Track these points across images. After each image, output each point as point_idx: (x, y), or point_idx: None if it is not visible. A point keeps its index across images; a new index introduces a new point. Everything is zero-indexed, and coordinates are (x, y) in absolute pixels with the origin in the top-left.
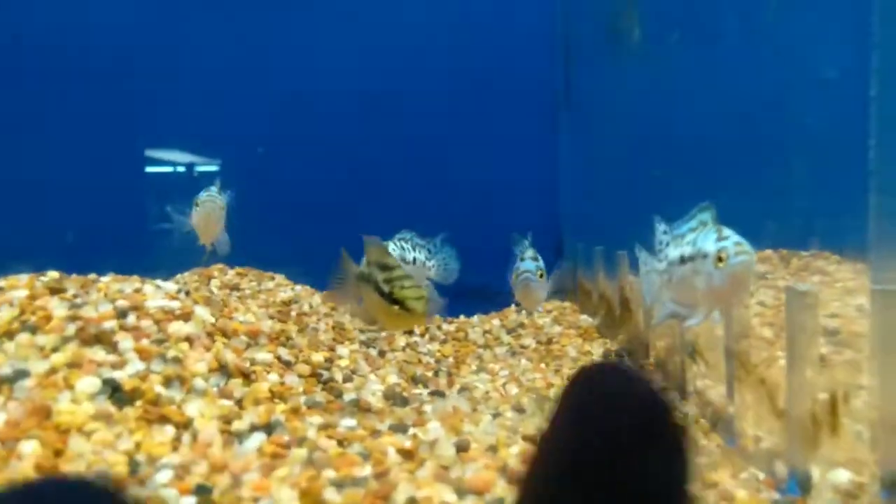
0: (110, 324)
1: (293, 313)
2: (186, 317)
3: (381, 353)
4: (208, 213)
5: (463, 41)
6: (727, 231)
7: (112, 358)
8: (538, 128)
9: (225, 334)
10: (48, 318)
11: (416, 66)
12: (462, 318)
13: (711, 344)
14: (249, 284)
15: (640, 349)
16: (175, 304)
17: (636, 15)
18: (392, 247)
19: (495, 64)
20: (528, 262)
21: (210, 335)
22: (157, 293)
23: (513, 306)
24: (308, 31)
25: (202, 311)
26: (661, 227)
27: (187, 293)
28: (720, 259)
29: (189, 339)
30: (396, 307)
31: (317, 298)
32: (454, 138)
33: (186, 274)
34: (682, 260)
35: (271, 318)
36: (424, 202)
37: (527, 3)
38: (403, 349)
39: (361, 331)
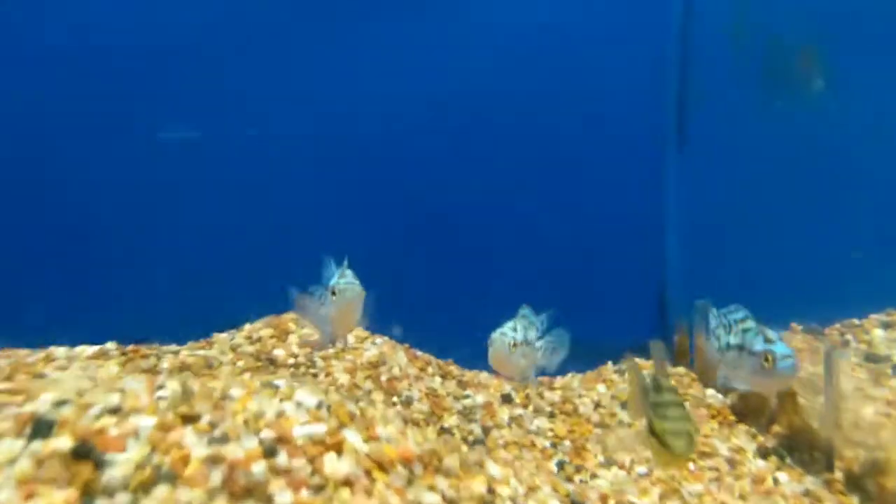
0: (259, 466)
1: (383, 378)
2: (337, 447)
3: (486, 430)
4: (350, 304)
5: (558, 78)
6: (771, 334)
7: None
8: (641, 170)
9: (381, 467)
10: (186, 461)
11: (503, 100)
12: (559, 379)
13: None
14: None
15: (811, 451)
16: (321, 429)
17: (818, 62)
18: (520, 326)
19: (595, 102)
20: (507, 329)
21: (368, 472)
22: (299, 412)
23: (609, 364)
24: (399, 80)
25: (353, 437)
26: (714, 312)
27: (329, 407)
28: (766, 360)
29: (348, 483)
30: (654, 439)
31: (402, 356)
32: (548, 177)
33: (258, 324)
34: (730, 347)
35: (404, 421)
36: (511, 244)
37: (636, 34)
38: (509, 425)
39: (455, 398)
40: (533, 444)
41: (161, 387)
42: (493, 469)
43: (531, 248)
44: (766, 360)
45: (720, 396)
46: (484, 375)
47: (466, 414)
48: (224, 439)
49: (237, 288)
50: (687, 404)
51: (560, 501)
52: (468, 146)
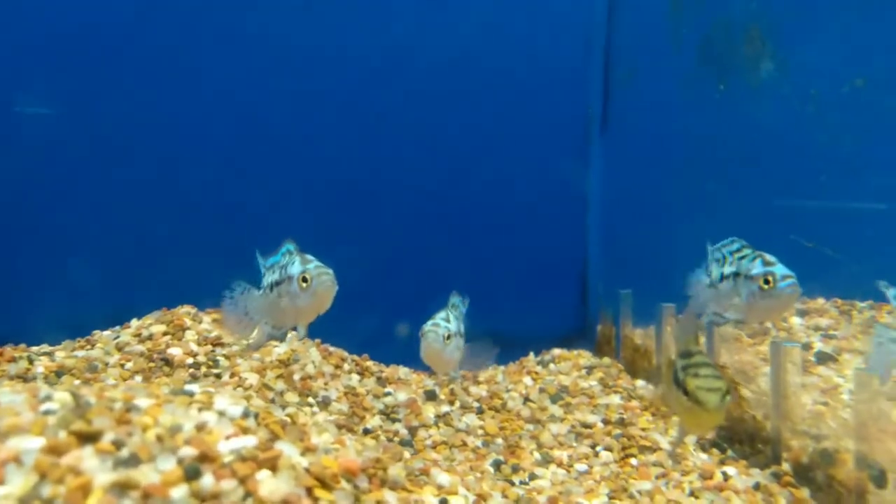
0: (179, 492)
1: (296, 377)
2: (272, 463)
3: (412, 431)
4: (328, 291)
5: (484, 64)
6: (770, 257)
7: None
8: (565, 156)
9: (324, 484)
10: (86, 491)
11: (430, 84)
12: (481, 372)
13: None
14: (233, 337)
15: (751, 442)
16: (251, 442)
17: (765, 48)
18: (453, 317)
19: (519, 87)
20: (439, 320)
21: (310, 491)
22: (222, 424)
23: (531, 355)
24: (317, 49)
25: (289, 451)
26: (712, 248)
27: (256, 417)
28: (767, 282)
29: None
30: (686, 398)
31: (315, 353)
32: (469, 162)
33: (148, 319)
34: (723, 278)
35: (339, 427)
36: (425, 236)
37: (563, 15)
38: (436, 424)
39: (376, 396)
40: (464, 444)
41: (47, 398)
42: (441, 477)
43: (452, 239)
44: (766, 281)
45: (651, 387)
46: (404, 371)
47: (389, 413)
48: (133, 461)
49: (121, 279)
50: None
51: None
52: (388, 132)
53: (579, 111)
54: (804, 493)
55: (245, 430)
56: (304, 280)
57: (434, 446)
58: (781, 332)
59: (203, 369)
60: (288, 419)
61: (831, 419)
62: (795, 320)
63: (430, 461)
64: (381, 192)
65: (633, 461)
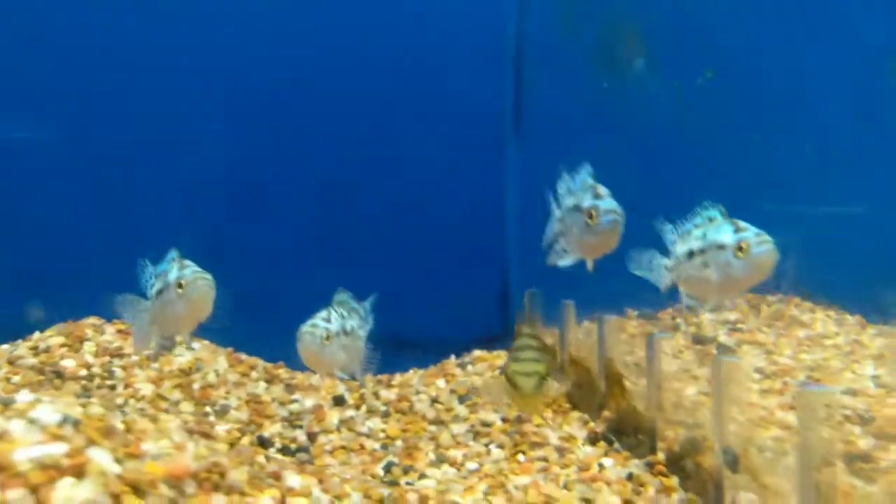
0: None
1: (196, 386)
2: (78, 470)
3: (312, 437)
4: (204, 296)
5: (397, 62)
6: (743, 223)
7: None
8: (482, 157)
9: (138, 490)
10: None
11: (343, 86)
12: (399, 375)
13: (762, 462)
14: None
15: (638, 435)
16: (59, 449)
17: (640, 46)
18: (334, 316)
19: (433, 87)
20: (318, 320)
21: (117, 497)
22: (30, 432)
23: (452, 358)
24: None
25: (101, 456)
26: (667, 227)
27: (76, 423)
28: (741, 249)
29: None
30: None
31: (222, 361)
32: (384, 163)
33: (50, 332)
34: (691, 254)
35: (190, 432)
36: (341, 237)
37: (473, 14)
38: (338, 429)
39: (281, 403)
40: (362, 448)
41: None
42: (293, 480)
43: (372, 243)
44: (741, 249)
45: (556, 384)
46: (316, 378)
47: (292, 420)
48: None
49: (29, 294)
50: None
51: None
52: (298, 136)
53: (493, 109)
54: (673, 481)
55: (57, 438)
56: (180, 286)
57: (332, 451)
58: (692, 327)
59: (97, 381)
60: (121, 426)
61: (708, 409)
62: (706, 316)
63: (310, 469)
64: (292, 196)
65: (521, 457)
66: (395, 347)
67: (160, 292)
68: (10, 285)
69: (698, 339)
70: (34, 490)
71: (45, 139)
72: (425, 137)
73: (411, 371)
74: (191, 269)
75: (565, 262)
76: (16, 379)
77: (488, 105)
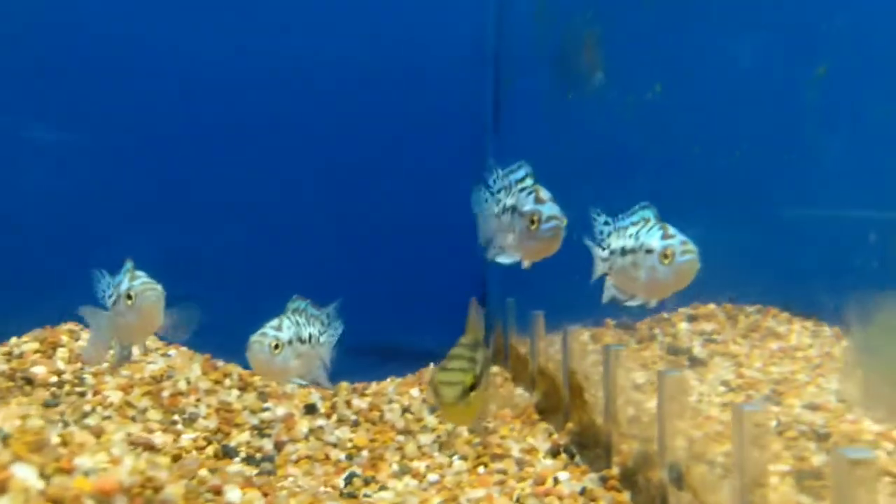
0: None
1: (165, 394)
2: (2, 486)
3: (279, 446)
4: (152, 306)
5: (378, 70)
6: (672, 230)
7: None
8: (461, 165)
9: None
10: None
11: (322, 93)
12: (374, 385)
13: (705, 474)
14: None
15: (596, 448)
16: None
17: (599, 57)
18: (286, 324)
19: (414, 96)
20: (268, 328)
21: None
22: None
23: (431, 366)
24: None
25: (25, 472)
26: (600, 218)
27: (5, 438)
28: (665, 256)
29: None
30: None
31: (196, 368)
32: (361, 166)
33: (26, 338)
34: (624, 252)
35: (133, 445)
36: (319, 244)
37: (454, 18)
38: (306, 437)
39: (252, 412)
40: (327, 458)
41: None
42: (233, 494)
43: (350, 249)
44: (666, 256)
45: (527, 395)
46: (292, 386)
47: (262, 429)
48: None
49: (4, 297)
50: (480, 358)
51: None
52: (275, 139)
53: (472, 112)
54: (625, 496)
55: None
56: (129, 297)
57: (297, 461)
58: (668, 337)
59: (66, 388)
60: (58, 439)
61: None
62: (683, 326)
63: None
64: (272, 201)
65: (481, 469)
66: (375, 356)
67: (115, 303)
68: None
69: (673, 350)
70: None
71: (35, 140)
72: (405, 141)
73: (388, 379)
74: (140, 281)
75: (505, 259)
76: None
77: (468, 108)
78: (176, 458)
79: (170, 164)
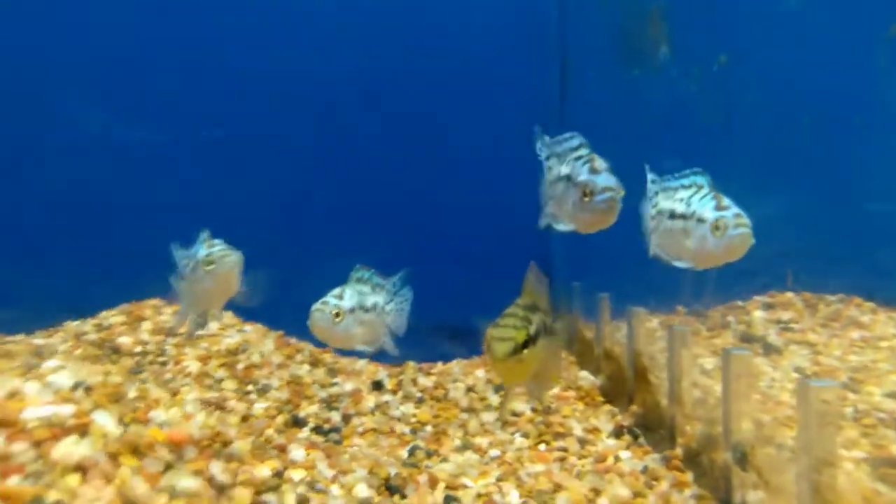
0: None
1: (240, 366)
2: (82, 429)
3: (346, 419)
4: (229, 272)
5: (444, 52)
6: (726, 201)
7: None
8: (528, 147)
9: (136, 451)
10: None
11: (390, 77)
12: (440, 364)
13: (772, 456)
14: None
15: (660, 430)
16: (67, 410)
17: (664, 31)
18: (348, 293)
19: (480, 75)
20: (329, 297)
21: (114, 456)
22: (43, 394)
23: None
24: (277, 29)
25: (105, 419)
26: (650, 176)
27: (88, 389)
28: (717, 227)
29: (82, 468)
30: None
31: (269, 343)
32: (435, 156)
33: (114, 311)
34: (673, 215)
35: (206, 404)
36: (391, 225)
37: (519, 12)
38: (373, 412)
39: (321, 386)
40: (392, 431)
41: None
42: (297, 454)
43: (418, 233)
44: (718, 227)
45: (592, 378)
46: (361, 363)
47: (330, 402)
48: None
49: (97, 274)
50: (537, 320)
51: (370, 485)
52: (350, 117)
53: (539, 96)
54: (688, 476)
55: (66, 400)
56: (208, 263)
57: (363, 433)
58: (741, 325)
59: (150, 357)
60: (135, 393)
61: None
62: (758, 314)
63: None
64: (343, 186)
65: (542, 446)
66: (441, 338)
67: (193, 270)
68: (82, 266)
69: (746, 338)
70: (37, 445)
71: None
72: (472, 122)
73: (454, 361)
74: (218, 247)
75: (559, 227)
76: (78, 353)
77: (535, 88)
78: (245, 419)
79: (248, 148)
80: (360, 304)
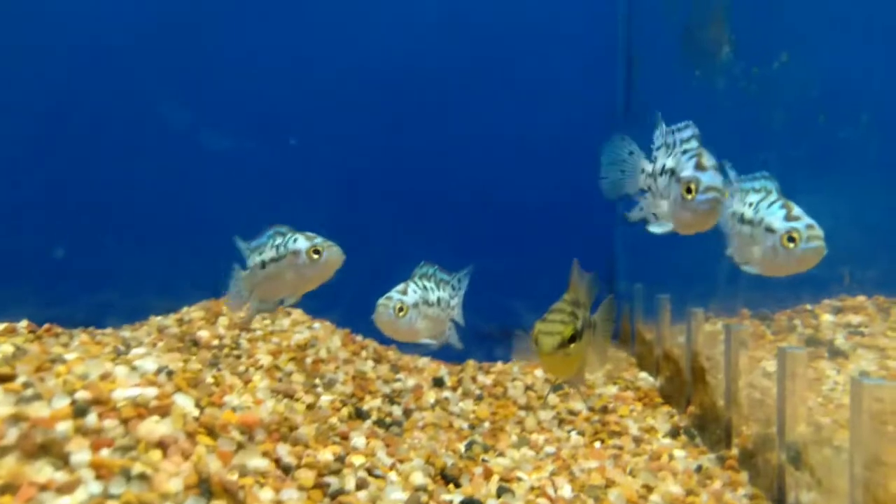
0: (64, 426)
1: (308, 360)
2: (163, 410)
3: (407, 413)
4: (335, 262)
5: (512, 53)
6: (797, 210)
7: (60, 477)
8: (593, 149)
9: (211, 432)
10: None
11: (457, 77)
12: (500, 364)
13: (827, 457)
14: (262, 323)
15: (717, 430)
16: (151, 392)
17: (726, 31)
18: (412, 288)
19: (545, 75)
20: (393, 292)
21: (191, 435)
22: (130, 377)
23: None
24: (338, 32)
25: (184, 401)
26: (732, 174)
27: (170, 373)
28: (791, 239)
29: (163, 445)
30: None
31: (336, 340)
32: (500, 156)
33: (194, 307)
34: (743, 219)
35: (275, 392)
36: (456, 229)
37: (586, 12)
38: (433, 407)
39: (385, 381)
40: (451, 426)
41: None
42: (358, 441)
43: (482, 235)
44: (790, 238)
45: (651, 379)
46: (423, 361)
47: (393, 397)
48: (33, 399)
49: (181, 275)
50: (582, 315)
51: (426, 474)
52: (417, 119)
53: (604, 97)
54: (743, 476)
55: (151, 383)
56: (316, 252)
57: (423, 427)
58: (808, 329)
59: (226, 350)
60: (211, 379)
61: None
62: (827, 318)
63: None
64: (407, 188)
65: (598, 444)
66: (501, 338)
67: (275, 260)
68: (166, 265)
69: (812, 342)
70: (125, 422)
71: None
72: (537, 123)
73: (513, 360)
74: (321, 238)
75: (656, 229)
76: (160, 345)
77: (600, 89)
78: (310, 407)
79: (320, 151)
80: (424, 298)
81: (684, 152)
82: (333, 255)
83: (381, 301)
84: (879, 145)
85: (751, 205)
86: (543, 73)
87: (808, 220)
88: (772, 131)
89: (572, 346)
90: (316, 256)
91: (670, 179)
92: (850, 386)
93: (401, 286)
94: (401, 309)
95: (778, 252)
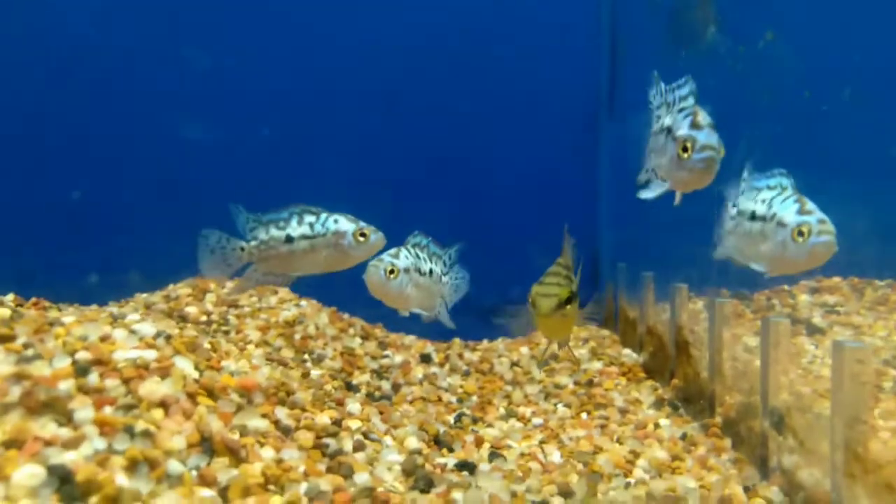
0: (66, 385)
1: (297, 336)
2: (164, 371)
3: (396, 387)
4: (380, 245)
5: (496, 38)
6: (811, 205)
7: (65, 433)
8: (576, 133)
9: (211, 393)
10: None
11: (442, 63)
12: (486, 342)
13: (809, 422)
14: (249, 300)
15: (700, 401)
16: (150, 355)
17: (712, 12)
18: (404, 254)
19: (530, 64)
20: (385, 255)
21: (192, 396)
22: (129, 339)
23: None
24: (332, 23)
25: (184, 364)
26: (744, 173)
27: (168, 338)
28: (801, 233)
29: (164, 404)
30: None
31: (324, 317)
32: (484, 140)
33: (181, 284)
34: (753, 216)
35: (270, 360)
36: (445, 208)
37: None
38: (421, 382)
39: (373, 357)
40: (439, 399)
41: None
42: (353, 406)
43: (467, 217)
44: (801, 233)
45: (634, 355)
46: (410, 338)
47: (381, 372)
48: (34, 359)
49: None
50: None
51: (420, 439)
52: (404, 105)
53: (588, 87)
54: (726, 443)
55: (150, 346)
56: (363, 235)
57: (412, 401)
58: (786, 308)
59: (214, 326)
60: (207, 345)
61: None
62: (804, 298)
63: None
64: (400, 175)
65: (584, 415)
66: (486, 317)
67: (307, 237)
68: (152, 243)
69: (790, 320)
70: (126, 382)
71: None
72: (521, 106)
73: (499, 339)
74: (363, 222)
75: (648, 193)
76: (150, 319)
77: (585, 71)
78: (305, 375)
79: (316, 134)
80: (416, 266)
81: (680, 111)
82: (379, 238)
83: (373, 262)
84: (861, 122)
85: (763, 202)
86: (529, 57)
87: (820, 214)
88: (759, 111)
89: (568, 307)
90: (362, 239)
91: (667, 138)
92: (832, 349)
93: (393, 250)
94: (391, 271)
95: (788, 246)
